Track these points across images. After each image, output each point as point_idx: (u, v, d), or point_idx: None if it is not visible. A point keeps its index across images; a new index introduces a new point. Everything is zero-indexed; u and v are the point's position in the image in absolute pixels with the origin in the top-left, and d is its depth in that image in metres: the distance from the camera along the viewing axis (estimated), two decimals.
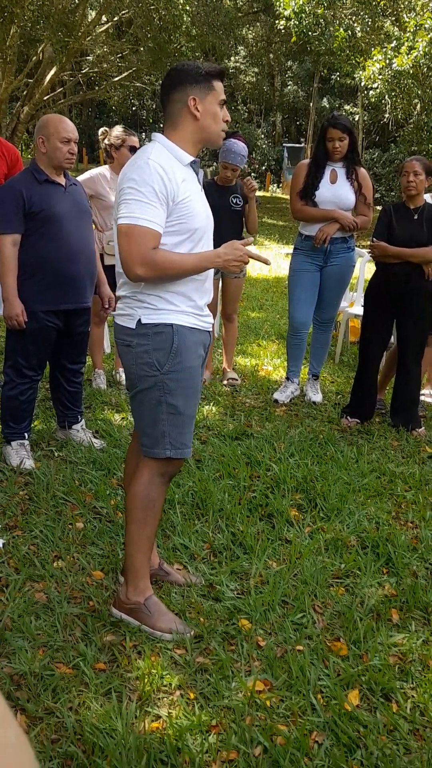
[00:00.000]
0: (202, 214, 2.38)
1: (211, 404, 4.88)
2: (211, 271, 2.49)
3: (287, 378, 5.14)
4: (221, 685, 2.30)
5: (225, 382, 5.33)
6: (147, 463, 2.50)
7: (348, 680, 2.37)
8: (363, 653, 2.51)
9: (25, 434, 3.81)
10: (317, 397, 5.12)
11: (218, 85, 2.38)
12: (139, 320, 2.36)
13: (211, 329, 2.55)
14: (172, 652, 2.46)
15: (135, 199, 2.24)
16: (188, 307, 2.40)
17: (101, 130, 4.74)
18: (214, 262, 2.37)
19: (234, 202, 5.01)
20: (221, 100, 2.39)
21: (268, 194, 28.97)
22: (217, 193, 4.96)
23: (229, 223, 5.01)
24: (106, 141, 4.65)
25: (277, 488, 3.68)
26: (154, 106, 32.59)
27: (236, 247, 2.40)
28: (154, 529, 2.55)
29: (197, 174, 2.45)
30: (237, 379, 5.39)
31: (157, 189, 2.23)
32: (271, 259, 10.09)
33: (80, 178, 4.61)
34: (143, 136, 27.07)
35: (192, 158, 2.39)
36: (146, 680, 2.29)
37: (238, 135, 4.97)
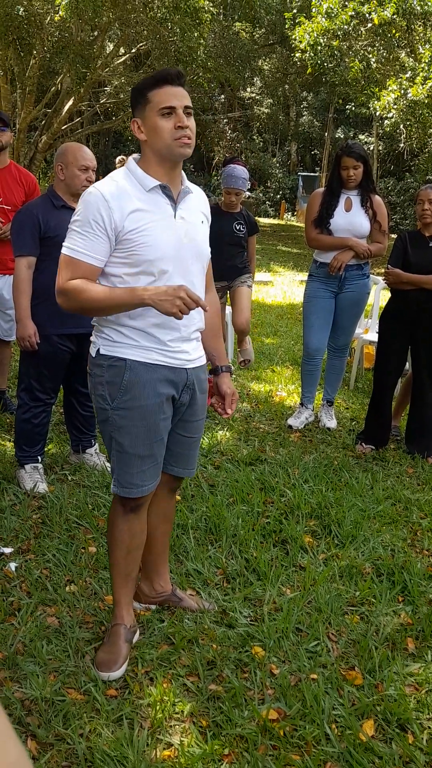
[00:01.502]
0: (162, 245, 2.20)
1: (225, 429, 4.87)
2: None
3: (301, 404, 5.12)
4: (234, 714, 2.27)
5: (240, 360, 5.21)
6: None
7: (363, 710, 2.33)
8: (378, 683, 2.47)
9: (39, 458, 3.82)
10: (332, 423, 5.10)
11: (156, 94, 2.16)
12: (98, 350, 2.32)
13: (189, 366, 2.37)
14: (185, 679, 2.43)
15: (72, 228, 2.21)
16: (149, 343, 2.26)
17: (119, 158, 4.81)
18: (139, 297, 2.12)
19: (237, 228, 5.03)
20: (161, 108, 2.15)
21: (282, 222, 29.16)
22: (221, 218, 5.00)
23: (232, 249, 5.02)
24: None
25: (291, 514, 3.66)
26: None
27: (176, 293, 2.10)
28: (119, 558, 2.48)
29: (173, 198, 2.26)
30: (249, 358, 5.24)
31: (92, 218, 2.15)
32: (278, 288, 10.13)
33: None
34: None
35: (156, 183, 2.21)
36: (158, 707, 2.27)
37: (237, 160, 5.00)
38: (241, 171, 4.89)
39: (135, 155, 2.31)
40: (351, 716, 2.28)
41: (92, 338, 2.37)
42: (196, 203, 2.39)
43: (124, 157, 4.81)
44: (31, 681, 2.35)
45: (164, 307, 2.10)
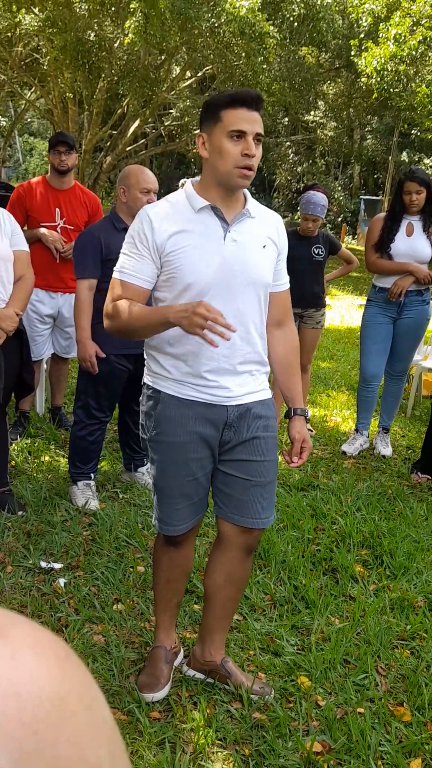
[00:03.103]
0: (201, 267, 2.10)
1: (277, 453, 4.83)
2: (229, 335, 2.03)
3: (356, 430, 5.06)
4: (277, 744, 2.23)
5: None
6: None
7: (411, 748, 2.27)
8: (427, 720, 2.40)
9: (92, 475, 3.85)
10: (387, 451, 5.02)
11: (229, 115, 2.02)
12: (144, 379, 2.33)
13: (231, 403, 2.20)
14: (229, 705, 2.40)
15: (122, 251, 2.20)
16: (183, 375, 2.16)
17: (182, 181, 4.86)
18: (164, 315, 2.02)
19: (316, 252, 5.08)
20: (231, 131, 2.02)
21: (342, 245, 29.01)
22: (299, 243, 5.04)
23: (309, 275, 5.07)
24: None
25: (343, 542, 3.61)
26: None
27: (193, 309, 1.94)
28: (159, 585, 2.45)
29: (225, 220, 2.13)
30: (312, 430, 5.32)
31: (137, 240, 2.13)
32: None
33: None
34: None
35: (206, 203, 2.11)
36: (201, 733, 2.24)
37: (317, 186, 5.05)
38: (320, 198, 4.93)
39: (194, 179, 2.25)
40: (398, 753, 2.22)
41: None
42: (260, 228, 2.21)
43: (186, 179, 4.87)
44: None
45: (183, 324, 1.96)
